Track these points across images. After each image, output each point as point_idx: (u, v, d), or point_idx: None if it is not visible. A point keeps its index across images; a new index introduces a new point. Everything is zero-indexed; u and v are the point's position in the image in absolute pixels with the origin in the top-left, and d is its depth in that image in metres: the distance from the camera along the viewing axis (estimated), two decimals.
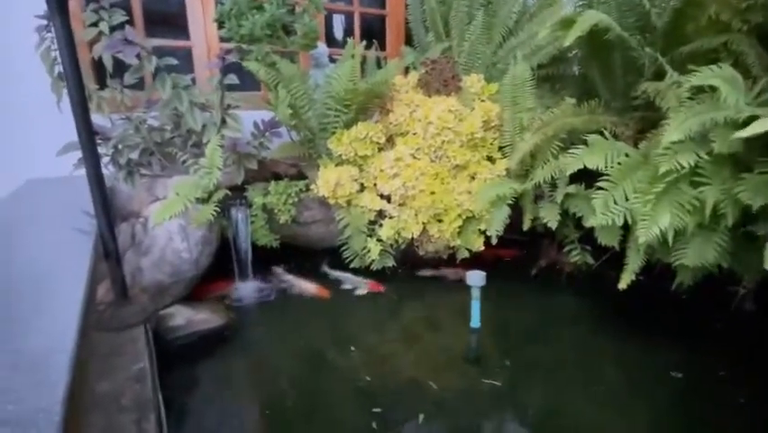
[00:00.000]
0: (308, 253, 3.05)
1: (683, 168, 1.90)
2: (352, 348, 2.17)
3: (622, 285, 2.20)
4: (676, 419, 1.70)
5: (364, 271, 2.86)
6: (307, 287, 2.74)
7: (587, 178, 2.52)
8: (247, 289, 2.69)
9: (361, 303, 2.66)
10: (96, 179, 1.80)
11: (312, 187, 2.77)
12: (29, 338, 1.06)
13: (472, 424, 1.72)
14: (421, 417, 1.71)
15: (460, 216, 2.78)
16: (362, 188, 2.82)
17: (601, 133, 2.34)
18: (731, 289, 2.35)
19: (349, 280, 2.83)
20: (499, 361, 2.08)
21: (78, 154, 2.31)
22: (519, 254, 3.22)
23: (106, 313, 1.79)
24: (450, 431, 1.68)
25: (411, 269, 3.00)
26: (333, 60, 3.10)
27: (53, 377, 0.89)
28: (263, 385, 1.95)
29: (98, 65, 2.57)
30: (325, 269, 2.95)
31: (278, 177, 2.90)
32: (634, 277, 2.18)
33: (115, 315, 1.79)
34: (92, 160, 1.80)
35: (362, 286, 2.78)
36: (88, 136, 1.77)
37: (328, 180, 2.67)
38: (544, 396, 1.87)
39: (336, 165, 2.79)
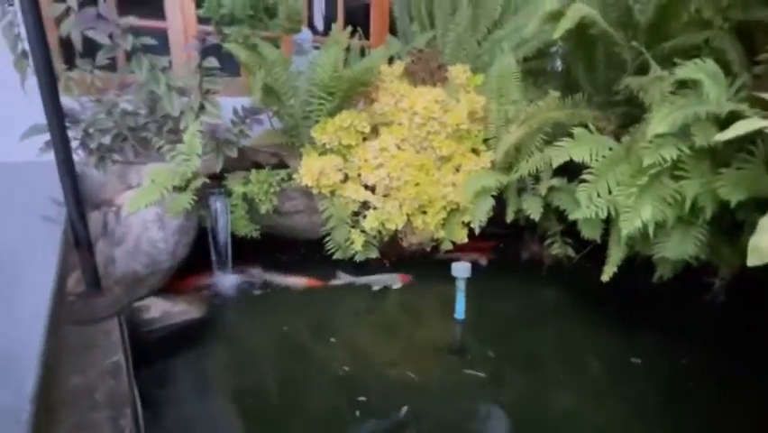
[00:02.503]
0: (291, 244, 2.98)
1: (666, 161, 1.93)
2: (332, 339, 2.14)
3: (605, 277, 2.24)
4: (634, 401, 1.78)
5: (390, 267, 2.80)
6: (294, 280, 2.66)
7: (570, 172, 2.56)
8: (227, 281, 2.61)
9: (336, 296, 2.62)
10: (67, 164, 1.69)
11: (294, 176, 2.71)
12: None
13: (455, 413, 1.72)
14: (404, 409, 1.70)
15: (444, 207, 2.77)
16: (346, 178, 2.77)
17: (586, 127, 2.37)
18: (708, 280, 2.42)
19: (376, 282, 2.69)
20: (482, 352, 2.09)
21: (44, 138, 2.19)
22: (501, 247, 3.24)
23: (78, 305, 1.70)
24: (432, 417, 1.67)
25: (407, 259, 2.97)
26: (316, 48, 3.03)
27: (21, 374, 0.82)
28: (245, 379, 1.89)
29: (66, 44, 2.42)
30: (343, 278, 2.71)
31: (258, 166, 2.81)
32: (615, 269, 2.22)
33: (87, 307, 1.70)
34: (62, 144, 1.68)
35: (395, 281, 2.69)
36: (58, 120, 1.66)
37: (311, 169, 2.61)
38: (524, 386, 1.90)
39: (320, 154, 2.74)
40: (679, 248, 2.03)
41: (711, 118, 1.90)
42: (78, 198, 1.71)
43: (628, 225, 1.98)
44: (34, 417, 0.74)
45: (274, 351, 2.10)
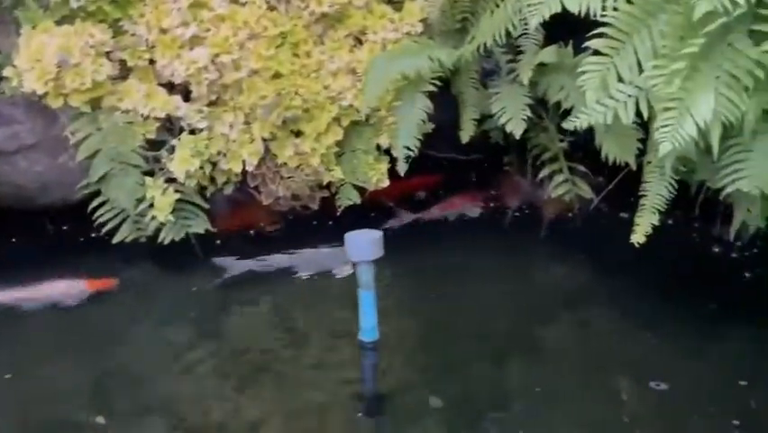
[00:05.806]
0: (19, 220, 2.88)
1: (737, 5, 1.85)
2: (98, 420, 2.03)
3: (637, 238, 2.26)
4: None
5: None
6: (57, 287, 2.59)
7: (578, 33, 2.47)
8: None
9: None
10: None
11: (6, 71, 2.53)
12: None
13: None
14: None
15: (337, 120, 2.75)
16: (126, 70, 2.65)
17: None
18: None
19: (313, 262, 2.71)
20: (413, 400, 2.09)
21: None
22: (458, 190, 3.23)
23: None
24: None
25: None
26: None
27: None
28: None
29: None
30: (230, 268, 2.75)
31: None
32: (656, 222, 2.23)
33: None
34: None
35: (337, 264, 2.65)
36: None
37: (41, 55, 2.43)
38: None
39: (58, 22, 2.56)
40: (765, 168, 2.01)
41: None
42: None
43: (672, 135, 1.93)
44: None
45: None
